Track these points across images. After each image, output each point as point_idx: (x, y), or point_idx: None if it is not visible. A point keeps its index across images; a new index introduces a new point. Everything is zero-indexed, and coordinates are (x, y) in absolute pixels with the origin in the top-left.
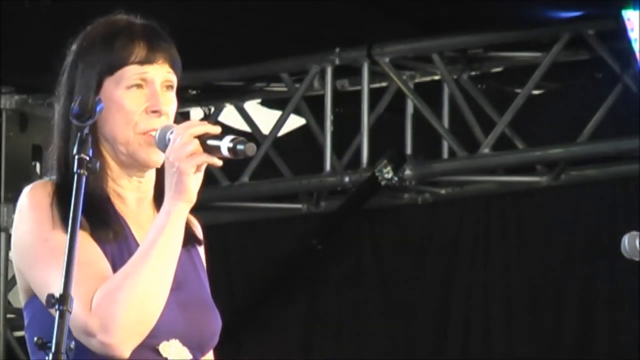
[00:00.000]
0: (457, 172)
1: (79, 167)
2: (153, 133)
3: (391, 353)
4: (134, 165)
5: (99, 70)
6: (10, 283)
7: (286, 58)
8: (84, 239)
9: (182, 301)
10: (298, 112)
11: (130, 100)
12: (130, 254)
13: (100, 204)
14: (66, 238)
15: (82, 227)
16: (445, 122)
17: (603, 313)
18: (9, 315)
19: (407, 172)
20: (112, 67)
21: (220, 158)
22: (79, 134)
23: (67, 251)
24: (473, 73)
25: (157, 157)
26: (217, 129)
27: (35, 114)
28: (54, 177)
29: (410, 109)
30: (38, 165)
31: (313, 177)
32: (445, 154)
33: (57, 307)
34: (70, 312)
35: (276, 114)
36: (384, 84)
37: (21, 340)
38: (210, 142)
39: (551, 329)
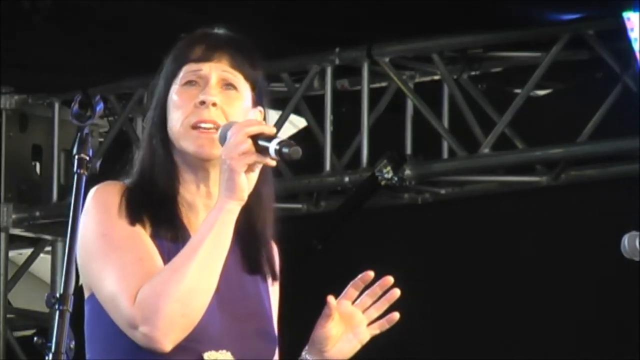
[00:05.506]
0: (457, 172)
1: (79, 167)
2: (204, 125)
3: (390, 352)
4: (194, 163)
5: (165, 78)
6: (10, 283)
7: (286, 58)
8: (140, 235)
9: (235, 316)
10: (298, 112)
11: (182, 95)
12: None
13: (167, 207)
14: (127, 232)
15: (142, 225)
16: (445, 122)
17: (602, 313)
18: (9, 315)
19: (407, 172)
20: (174, 70)
21: (272, 159)
22: (78, 134)
23: (67, 251)
24: (473, 73)
25: (209, 150)
26: (272, 130)
27: (35, 114)
28: (127, 181)
29: (410, 109)
30: (38, 165)
31: (313, 177)
32: (445, 154)
33: (57, 307)
34: (70, 312)
35: (276, 114)
36: (384, 84)
37: (21, 340)
38: (262, 142)
39: (550, 329)
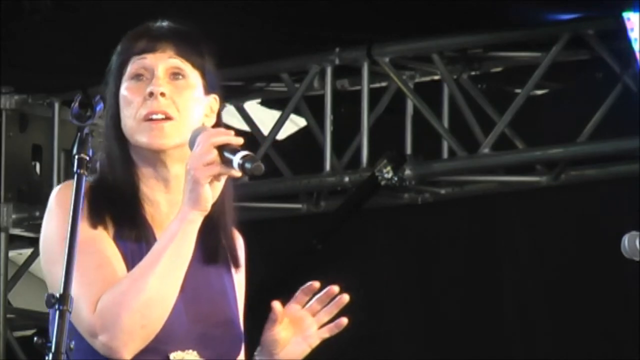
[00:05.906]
0: (457, 172)
1: (79, 167)
2: (154, 116)
3: (390, 352)
4: (150, 157)
5: (113, 76)
6: (10, 283)
7: (286, 58)
8: (101, 239)
9: (200, 315)
10: (298, 112)
11: (131, 90)
12: None
13: (128, 205)
14: (88, 236)
15: (105, 227)
16: (445, 122)
17: (603, 313)
18: (9, 315)
19: (407, 172)
20: (120, 67)
21: (236, 171)
22: (78, 134)
23: (66, 251)
24: (473, 73)
25: (162, 140)
26: (239, 141)
27: (35, 114)
28: (90, 179)
29: (410, 109)
30: (38, 165)
31: (313, 177)
32: (445, 154)
33: (57, 307)
34: (70, 312)
35: (276, 114)
36: (384, 84)
37: (21, 340)
38: (227, 154)
39: (549, 329)
